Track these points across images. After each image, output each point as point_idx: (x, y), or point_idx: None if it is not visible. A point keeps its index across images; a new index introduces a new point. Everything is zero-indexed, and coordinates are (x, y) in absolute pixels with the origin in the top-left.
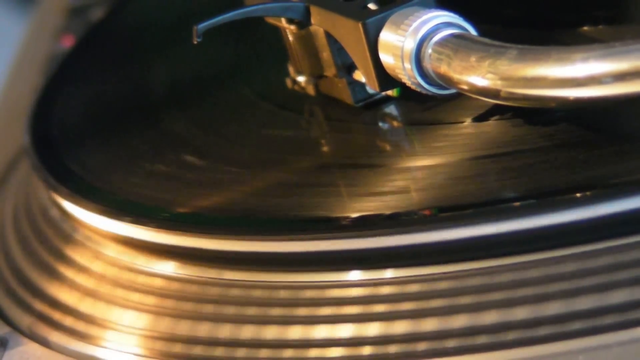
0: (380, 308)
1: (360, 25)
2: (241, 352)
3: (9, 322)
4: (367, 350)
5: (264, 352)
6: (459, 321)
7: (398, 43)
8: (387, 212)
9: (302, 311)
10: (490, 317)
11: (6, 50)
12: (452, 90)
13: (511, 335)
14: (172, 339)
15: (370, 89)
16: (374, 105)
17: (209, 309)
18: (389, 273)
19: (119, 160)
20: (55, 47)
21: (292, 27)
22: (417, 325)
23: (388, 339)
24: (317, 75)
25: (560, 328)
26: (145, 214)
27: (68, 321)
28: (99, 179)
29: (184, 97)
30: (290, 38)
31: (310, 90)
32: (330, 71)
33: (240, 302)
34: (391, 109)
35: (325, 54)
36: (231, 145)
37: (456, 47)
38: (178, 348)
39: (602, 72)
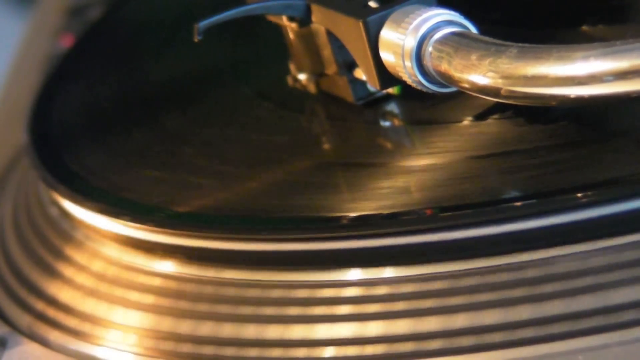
0: (380, 308)
1: (361, 23)
2: (240, 351)
3: (8, 322)
4: (366, 350)
5: (264, 352)
6: (459, 321)
7: (399, 41)
8: (387, 211)
9: (302, 310)
10: (489, 317)
11: (6, 50)
12: (453, 89)
13: (511, 335)
14: (172, 338)
15: (371, 87)
16: (375, 103)
17: (208, 308)
18: (388, 272)
19: (118, 159)
20: (55, 47)
21: (293, 25)
22: (417, 325)
23: (387, 339)
24: (318, 73)
25: (560, 328)
26: (145, 213)
27: (68, 321)
28: (99, 179)
29: (184, 96)
30: (291, 36)
31: (311, 88)
32: (331, 69)
33: (239, 302)
34: (392, 107)
35: (326, 52)
36: (231, 144)
37: (457, 45)
38: (177, 347)
39: (602, 71)
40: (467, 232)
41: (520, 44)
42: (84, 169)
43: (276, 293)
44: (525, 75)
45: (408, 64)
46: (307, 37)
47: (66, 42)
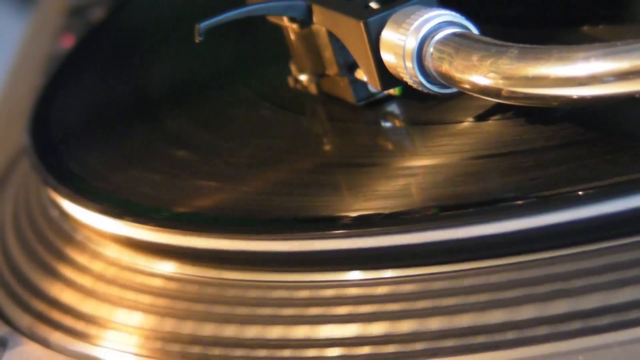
0: (379, 308)
1: (361, 24)
2: (240, 351)
3: (8, 322)
4: (366, 350)
5: (263, 352)
6: (458, 321)
7: (400, 42)
8: (388, 211)
9: (302, 311)
10: (489, 317)
11: (6, 50)
12: (454, 89)
13: (511, 335)
14: (172, 338)
15: (372, 88)
16: (376, 104)
17: (208, 308)
18: (389, 273)
19: (118, 160)
20: (55, 47)
21: (294, 25)
22: (416, 325)
23: (387, 339)
24: (319, 74)
25: (560, 328)
26: (145, 213)
27: (68, 321)
28: (99, 179)
29: (184, 96)
30: (292, 37)
31: (312, 89)
32: (332, 70)
33: (239, 302)
34: (393, 108)
35: (327, 53)
36: (231, 144)
37: (458, 46)
38: (178, 347)
39: (603, 71)
40: (467, 232)
41: (521, 45)
42: (84, 170)
43: (276, 294)
44: (526, 76)
45: (409, 64)
46: (308, 38)
47: (66, 42)
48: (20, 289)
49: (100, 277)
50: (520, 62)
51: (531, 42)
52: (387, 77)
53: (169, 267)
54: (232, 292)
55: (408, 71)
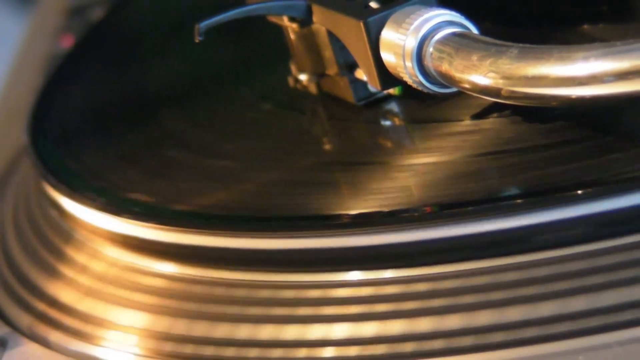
0: (379, 307)
1: (361, 24)
2: (240, 351)
3: (8, 322)
4: (365, 350)
5: (263, 352)
6: (458, 320)
7: (399, 42)
8: (387, 209)
9: (302, 310)
10: (489, 317)
11: (6, 50)
12: (453, 89)
13: (510, 335)
14: (172, 338)
15: (371, 88)
16: (376, 103)
17: (208, 308)
18: (389, 272)
19: (118, 159)
20: (55, 47)
21: (294, 25)
22: (416, 325)
23: (386, 339)
24: (319, 74)
25: (560, 328)
26: (145, 212)
27: (68, 321)
28: (99, 178)
29: (185, 96)
30: (292, 36)
31: (312, 89)
32: (332, 69)
33: (239, 302)
34: (392, 107)
35: (327, 53)
36: (232, 144)
37: (457, 45)
38: (178, 347)
39: (603, 71)
40: (466, 230)
41: (521, 45)
42: (84, 169)
43: (276, 293)
44: (526, 75)
45: (409, 64)
46: (308, 38)
47: (66, 42)
48: (20, 289)
49: (100, 277)
50: (520, 62)
51: (531, 42)
52: (386, 76)
53: (168, 266)
54: (231, 292)
55: (408, 71)
